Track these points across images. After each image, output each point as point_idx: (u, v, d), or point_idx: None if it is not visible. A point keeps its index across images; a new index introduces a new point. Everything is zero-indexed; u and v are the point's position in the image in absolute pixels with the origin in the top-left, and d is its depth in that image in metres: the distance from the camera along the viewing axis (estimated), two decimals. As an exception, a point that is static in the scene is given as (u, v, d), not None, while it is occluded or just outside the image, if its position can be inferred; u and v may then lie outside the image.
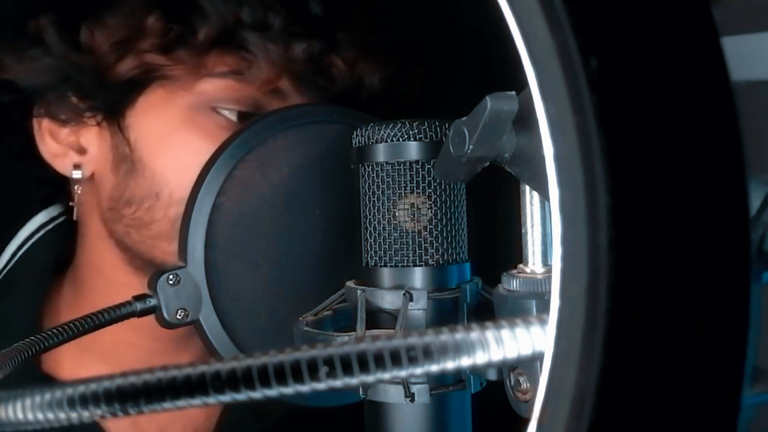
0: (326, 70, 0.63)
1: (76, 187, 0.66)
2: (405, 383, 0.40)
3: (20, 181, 0.72)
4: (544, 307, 0.35)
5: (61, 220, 0.72)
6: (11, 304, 0.69)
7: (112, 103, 0.62)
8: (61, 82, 0.62)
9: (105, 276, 0.67)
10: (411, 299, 0.42)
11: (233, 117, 0.61)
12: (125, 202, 0.62)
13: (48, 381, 0.67)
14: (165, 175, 0.60)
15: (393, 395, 0.41)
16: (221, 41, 0.60)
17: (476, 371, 0.41)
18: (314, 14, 0.63)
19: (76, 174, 0.65)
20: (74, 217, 0.68)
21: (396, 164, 0.43)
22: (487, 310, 0.42)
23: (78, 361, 0.69)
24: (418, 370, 0.23)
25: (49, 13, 0.63)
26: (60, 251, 0.71)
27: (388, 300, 0.43)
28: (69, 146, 0.65)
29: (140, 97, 0.62)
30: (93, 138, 0.64)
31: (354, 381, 0.23)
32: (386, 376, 0.23)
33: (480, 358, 0.23)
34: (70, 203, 0.67)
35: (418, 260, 0.43)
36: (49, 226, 0.72)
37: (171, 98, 0.61)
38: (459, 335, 0.23)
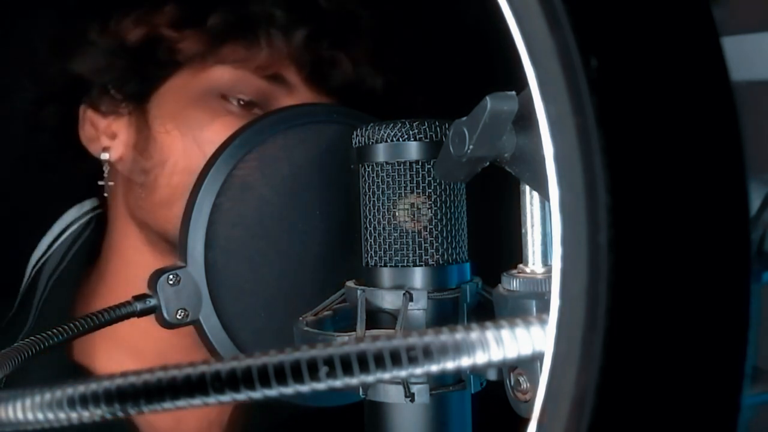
0: (330, 65, 0.67)
1: (104, 168, 0.72)
2: (405, 383, 0.40)
3: (55, 176, 0.77)
4: (544, 307, 0.35)
5: (92, 215, 0.76)
6: (46, 294, 0.72)
7: (142, 88, 0.68)
8: (103, 71, 0.69)
9: (126, 258, 0.71)
10: (411, 299, 0.42)
11: (240, 104, 0.65)
12: (138, 174, 0.67)
13: (79, 370, 0.71)
14: (172, 145, 0.65)
15: (393, 395, 0.41)
16: (231, 29, 0.65)
17: (476, 371, 0.41)
18: (321, 8, 0.67)
19: (104, 155, 0.71)
20: (105, 194, 0.73)
21: (396, 164, 0.43)
22: (487, 310, 0.42)
23: (109, 353, 0.72)
24: (418, 370, 0.23)
25: (90, 8, 0.71)
26: (91, 243, 0.76)
27: (388, 300, 0.43)
28: (103, 132, 0.71)
29: (165, 84, 0.67)
30: (123, 125, 0.70)
31: (354, 381, 0.23)
32: (386, 376, 0.23)
33: (480, 358, 0.23)
34: (99, 182, 0.72)
35: (418, 260, 0.43)
36: (82, 220, 0.76)
37: (188, 83, 0.66)
38: (459, 335, 0.23)
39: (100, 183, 0.72)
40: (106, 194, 0.72)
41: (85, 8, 0.72)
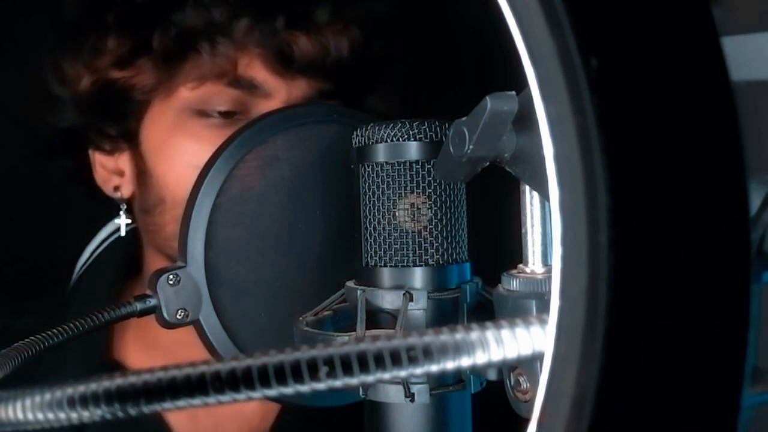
0: (287, 46, 0.64)
1: (121, 206, 0.72)
2: (405, 383, 0.40)
3: (96, 195, 0.78)
4: (544, 307, 0.35)
5: (134, 226, 0.76)
6: (85, 301, 0.74)
7: (126, 125, 0.68)
8: (85, 121, 0.69)
9: None
10: (411, 299, 0.42)
11: (219, 117, 0.64)
12: (146, 211, 0.67)
13: (115, 368, 0.72)
14: (165, 179, 0.65)
15: (393, 395, 0.41)
16: (178, 48, 0.64)
17: (476, 371, 0.41)
18: None
19: (116, 194, 0.72)
20: (121, 233, 0.74)
21: (396, 164, 0.43)
22: (487, 310, 0.42)
23: (142, 353, 0.73)
24: (418, 370, 0.23)
25: (47, 56, 0.70)
26: (131, 254, 0.76)
27: (388, 300, 0.43)
28: (113, 171, 0.72)
29: (146, 115, 0.67)
30: (126, 161, 0.70)
31: (354, 381, 0.23)
32: (386, 376, 0.23)
33: (480, 358, 0.23)
34: (115, 220, 0.73)
35: (418, 260, 0.43)
36: (126, 230, 0.77)
37: (165, 109, 0.66)
38: (459, 335, 0.23)
39: (116, 221, 0.73)
40: (122, 234, 0.73)
41: (40, 57, 0.71)
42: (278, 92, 0.64)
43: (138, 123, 0.67)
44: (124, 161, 0.71)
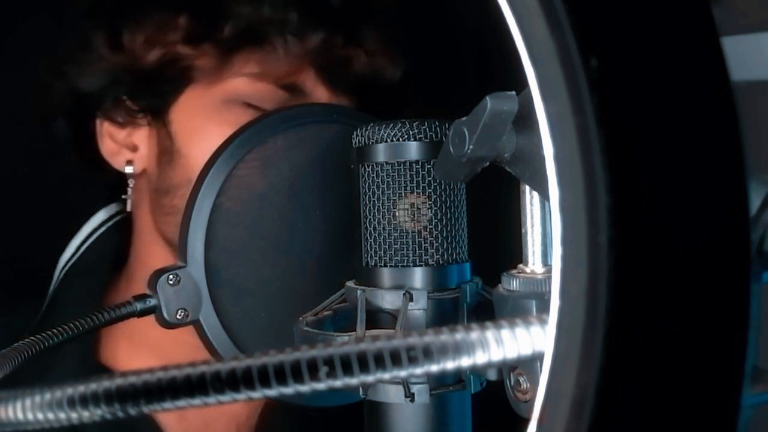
0: (347, 62, 0.66)
1: (129, 182, 0.71)
2: (405, 383, 0.40)
3: (84, 179, 0.78)
4: (544, 307, 0.35)
5: (120, 217, 0.76)
6: (73, 296, 0.73)
7: (158, 102, 0.67)
8: (114, 86, 0.69)
9: (152, 268, 0.70)
10: (411, 299, 0.42)
11: (259, 111, 0.64)
12: (165, 192, 0.67)
13: (104, 371, 0.70)
14: (198, 162, 0.63)
15: (393, 395, 0.41)
16: (246, 39, 0.64)
17: (476, 371, 0.41)
18: (334, 7, 0.67)
19: (128, 169, 0.71)
20: (128, 209, 0.72)
21: (396, 164, 0.43)
22: (487, 310, 0.42)
23: (131, 354, 0.72)
24: (418, 370, 0.23)
25: (97, 20, 0.70)
26: (118, 247, 0.76)
27: (388, 300, 0.43)
28: (124, 145, 0.71)
29: (182, 95, 0.67)
30: (144, 137, 0.70)
31: (354, 381, 0.23)
32: (386, 376, 0.23)
33: (480, 358, 0.23)
34: (123, 196, 0.72)
35: (418, 260, 0.43)
36: (109, 223, 0.77)
37: (207, 94, 0.66)
38: (459, 335, 0.23)
39: (124, 197, 0.72)
40: (129, 209, 0.72)
41: (91, 19, 0.71)
42: (319, 100, 0.66)
43: (169, 102, 0.67)
44: (140, 136, 0.70)
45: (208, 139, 0.64)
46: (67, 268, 0.75)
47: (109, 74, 0.68)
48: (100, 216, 0.77)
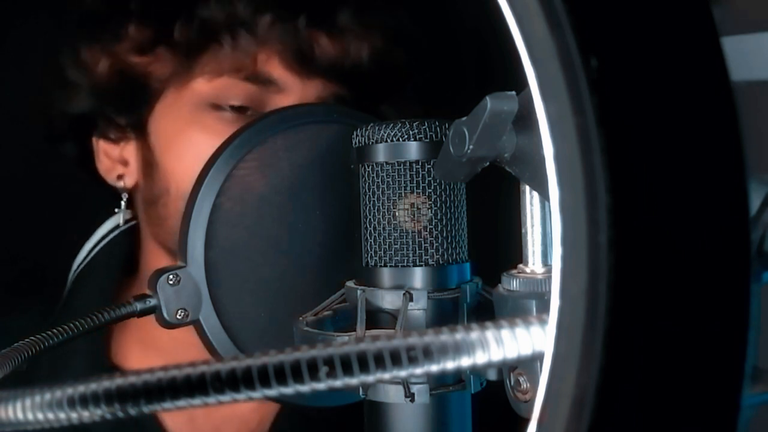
0: (308, 45, 0.64)
1: (123, 195, 0.73)
2: (405, 383, 0.40)
3: (84, 180, 0.78)
4: (544, 307, 0.35)
5: (132, 223, 0.77)
6: (84, 299, 0.74)
7: (136, 115, 0.68)
8: (97, 104, 0.69)
9: None
10: (411, 299, 0.42)
11: (232, 111, 0.64)
12: (151, 202, 0.68)
13: (114, 369, 0.72)
14: (173, 171, 0.65)
15: (393, 395, 0.41)
16: (199, 39, 0.64)
17: (476, 371, 0.41)
18: None
19: (119, 183, 0.72)
20: (120, 222, 0.74)
21: (396, 164, 0.43)
22: (487, 310, 0.42)
23: (143, 355, 0.73)
24: (418, 370, 0.23)
25: (66, 43, 0.71)
26: (129, 250, 0.76)
27: (388, 300, 0.43)
28: (117, 161, 0.72)
29: (157, 105, 0.67)
30: (132, 151, 0.71)
31: (354, 381, 0.23)
32: (386, 376, 0.23)
33: (480, 358, 0.23)
34: (116, 210, 0.74)
35: (418, 260, 0.43)
36: (123, 227, 0.77)
37: (176, 101, 0.66)
38: (459, 335, 0.23)
39: (117, 211, 0.73)
40: (121, 223, 0.73)
41: (59, 40, 0.72)
42: (293, 90, 0.65)
43: (147, 113, 0.67)
44: (129, 151, 0.71)
45: (180, 146, 0.65)
46: (79, 271, 0.76)
47: (87, 94, 0.69)
48: (113, 220, 0.77)
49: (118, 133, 0.70)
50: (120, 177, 0.72)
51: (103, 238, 0.77)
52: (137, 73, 0.66)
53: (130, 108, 0.68)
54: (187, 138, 0.65)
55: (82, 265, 0.76)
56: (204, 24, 0.64)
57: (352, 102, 0.65)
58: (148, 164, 0.68)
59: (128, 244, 0.76)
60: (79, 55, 0.69)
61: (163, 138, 0.67)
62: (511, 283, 0.37)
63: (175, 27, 0.64)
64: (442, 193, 0.43)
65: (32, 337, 0.43)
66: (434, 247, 0.43)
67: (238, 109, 0.64)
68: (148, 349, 0.72)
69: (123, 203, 0.73)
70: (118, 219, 0.77)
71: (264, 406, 0.72)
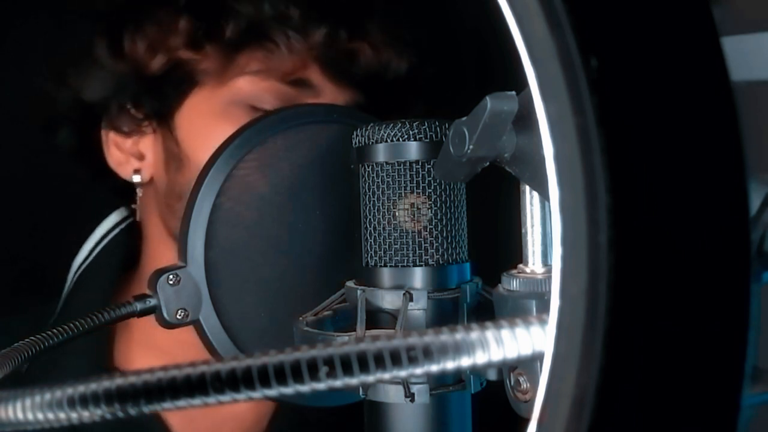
0: (352, 55, 0.66)
1: (138, 190, 0.72)
2: (405, 383, 0.40)
3: (96, 182, 0.78)
4: (544, 307, 0.35)
5: (131, 220, 0.76)
6: (85, 298, 0.73)
7: (163, 108, 0.67)
8: (118, 94, 0.68)
9: None
10: (411, 299, 0.42)
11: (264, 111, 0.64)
12: (176, 197, 0.66)
13: (115, 372, 0.70)
14: None
15: (393, 395, 0.41)
16: (248, 38, 0.64)
17: (476, 371, 0.41)
18: (336, 2, 0.67)
19: (136, 178, 0.71)
20: (137, 218, 0.73)
21: (396, 164, 0.43)
22: (487, 310, 0.42)
23: (143, 356, 0.72)
24: (418, 370, 0.23)
25: (97, 27, 0.69)
26: (130, 249, 0.76)
27: (388, 300, 0.43)
28: (131, 154, 0.71)
29: (186, 100, 0.67)
30: (150, 144, 0.70)
31: (354, 381, 0.23)
32: (386, 376, 0.23)
33: (480, 358, 0.23)
34: (132, 206, 0.73)
35: (418, 260, 0.43)
36: (122, 226, 0.77)
37: (211, 97, 0.66)
38: (459, 335, 0.23)
39: (133, 206, 0.72)
40: (137, 218, 0.72)
41: (90, 24, 0.71)
42: (327, 96, 0.65)
43: (174, 108, 0.67)
44: (146, 144, 0.70)
45: (213, 142, 0.62)
46: (80, 270, 0.76)
47: (112, 82, 0.68)
48: (112, 219, 0.77)
49: (132, 126, 0.69)
50: (137, 171, 0.71)
51: (104, 236, 0.76)
52: (187, 69, 0.66)
53: (161, 100, 0.67)
54: (220, 133, 0.62)
55: (84, 265, 0.76)
56: (254, 23, 0.64)
57: (374, 110, 0.66)
58: (174, 158, 0.67)
59: (129, 242, 0.76)
60: (119, 42, 0.67)
61: (195, 133, 0.66)
62: (511, 283, 0.37)
63: (227, 25, 0.64)
64: (442, 193, 0.43)
65: (32, 337, 0.43)
66: (434, 247, 0.43)
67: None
68: (148, 349, 0.72)
69: (138, 198, 0.72)
70: (120, 215, 0.77)
71: (261, 405, 0.72)
